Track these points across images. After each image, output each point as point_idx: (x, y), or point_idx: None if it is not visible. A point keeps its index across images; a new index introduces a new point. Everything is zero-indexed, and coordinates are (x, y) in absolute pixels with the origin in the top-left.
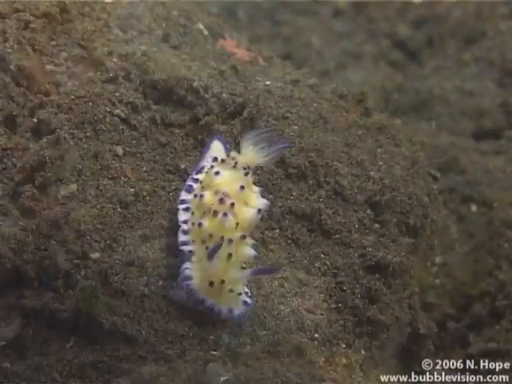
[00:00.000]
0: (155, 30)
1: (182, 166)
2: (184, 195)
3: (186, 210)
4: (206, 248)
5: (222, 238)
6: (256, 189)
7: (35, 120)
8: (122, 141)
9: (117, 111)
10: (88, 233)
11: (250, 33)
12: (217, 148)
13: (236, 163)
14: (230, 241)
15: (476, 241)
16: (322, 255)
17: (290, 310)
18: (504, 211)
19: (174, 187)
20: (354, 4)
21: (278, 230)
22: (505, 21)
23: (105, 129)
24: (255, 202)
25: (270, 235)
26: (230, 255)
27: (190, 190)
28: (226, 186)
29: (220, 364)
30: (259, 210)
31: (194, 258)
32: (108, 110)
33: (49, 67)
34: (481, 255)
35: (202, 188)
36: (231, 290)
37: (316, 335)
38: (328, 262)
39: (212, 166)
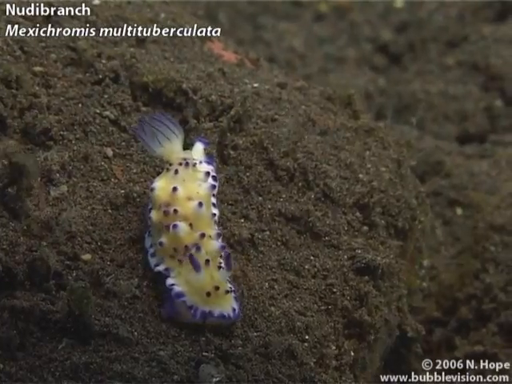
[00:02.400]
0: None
1: None
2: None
3: (149, 234)
4: (179, 261)
5: (187, 247)
6: (200, 175)
7: (25, 122)
8: (111, 142)
9: (106, 113)
10: (79, 234)
11: (232, 37)
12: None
13: (170, 164)
14: (198, 248)
15: (462, 244)
16: (312, 257)
17: (280, 311)
18: (489, 214)
19: None
20: (335, 8)
21: (267, 232)
22: (487, 25)
23: (94, 130)
24: (198, 191)
25: (259, 237)
26: (207, 261)
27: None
28: (163, 196)
29: (212, 365)
30: (200, 204)
31: (172, 274)
32: (97, 111)
33: (38, 69)
34: (467, 258)
35: (152, 209)
36: (227, 291)
37: (306, 337)
38: (318, 264)
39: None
